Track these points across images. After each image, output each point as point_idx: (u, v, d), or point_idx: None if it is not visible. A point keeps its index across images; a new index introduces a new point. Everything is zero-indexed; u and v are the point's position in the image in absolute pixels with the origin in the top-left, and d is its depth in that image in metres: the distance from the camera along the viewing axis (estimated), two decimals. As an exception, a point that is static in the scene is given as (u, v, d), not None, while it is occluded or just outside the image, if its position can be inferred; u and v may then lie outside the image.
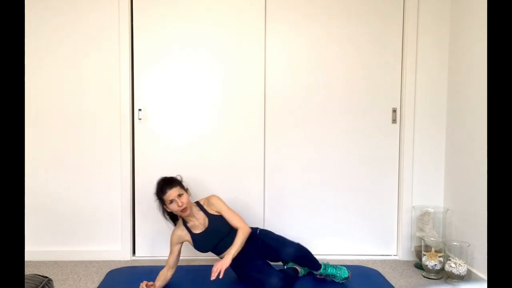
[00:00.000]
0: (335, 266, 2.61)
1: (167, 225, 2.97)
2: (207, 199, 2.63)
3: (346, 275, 2.58)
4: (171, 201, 2.47)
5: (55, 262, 3.03)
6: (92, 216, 3.09)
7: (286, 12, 3.04)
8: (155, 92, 3.04)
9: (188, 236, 2.56)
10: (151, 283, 2.42)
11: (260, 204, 3.10)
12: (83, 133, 3.05)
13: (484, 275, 2.59)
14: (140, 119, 3.04)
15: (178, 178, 2.60)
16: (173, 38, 3.02)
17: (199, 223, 2.56)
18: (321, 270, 2.58)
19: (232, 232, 2.53)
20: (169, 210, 2.56)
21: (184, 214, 2.51)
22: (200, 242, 2.55)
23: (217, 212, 2.58)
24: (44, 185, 3.06)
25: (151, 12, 3.00)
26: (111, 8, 2.99)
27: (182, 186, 2.55)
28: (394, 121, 3.10)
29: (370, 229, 3.15)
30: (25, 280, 1.60)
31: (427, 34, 3.04)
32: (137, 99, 3.04)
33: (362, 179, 3.13)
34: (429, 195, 3.11)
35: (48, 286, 1.66)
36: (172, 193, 2.47)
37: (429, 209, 2.98)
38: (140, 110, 3.04)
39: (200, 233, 2.55)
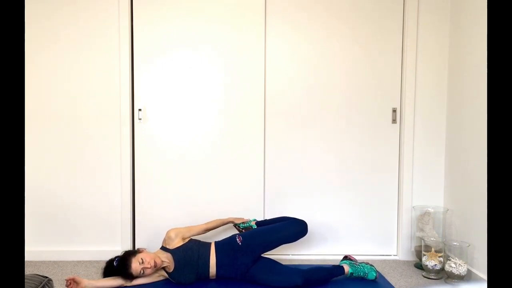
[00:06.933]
0: (361, 267, 2.64)
1: (167, 225, 2.97)
2: (165, 237, 2.64)
3: (374, 275, 2.63)
4: (142, 271, 2.47)
5: (55, 262, 3.03)
6: (92, 216, 3.09)
7: (286, 11, 3.04)
8: (155, 92, 3.04)
9: (166, 274, 2.59)
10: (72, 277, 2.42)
11: (260, 204, 3.09)
12: (83, 133, 3.05)
13: (484, 275, 2.59)
14: (140, 119, 3.04)
15: (122, 252, 2.60)
16: (173, 38, 3.02)
17: (170, 262, 2.57)
18: (348, 275, 2.63)
19: (203, 254, 2.57)
20: (147, 274, 2.53)
21: (159, 267, 2.52)
22: (178, 277, 2.55)
23: (182, 241, 2.61)
24: (44, 185, 3.06)
25: (151, 11, 3.01)
26: (111, 8, 2.99)
27: (134, 254, 2.53)
28: (394, 121, 3.10)
29: (370, 229, 3.15)
30: (25, 280, 1.60)
31: (427, 34, 3.04)
32: (137, 99, 3.04)
33: (362, 179, 3.13)
34: (429, 195, 3.11)
35: (48, 286, 1.66)
36: (135, 267, 2.46)
37: (429, 209, 2.98)
38: (140, 110, 3.04)
39: (173, 270, 2.56)
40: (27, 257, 3.04)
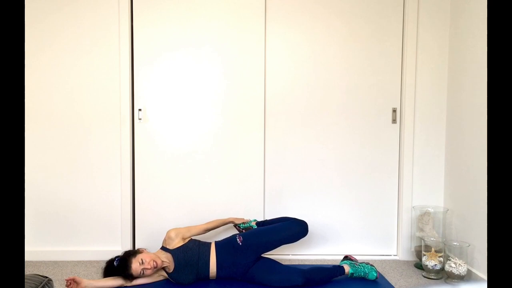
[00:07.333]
0: (362, 267, 2.63)
1: (167, 225, 2.97)
2: (165, 237, 2.64)
3: (375, 275, 2.62)
4: (142, 272, 2.46)
5: (55, 262, 3.03)
6: (92, 216, 3.09)
7: (286, 11, 3.04)
8: (155, 92, 3.04)
9: (165, 274, 2.59)
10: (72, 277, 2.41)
11: (260, 204, 3.09)
12: (83, 133, 3.05)
13: (484, 275, 2.59)
14: (140, 119, 3.04)
15: (121, 253, 2.59)
16: (173, 38, 3.02)
17: (170, 263, 2.56)
18: (349, 275, 2.63)
19: (204, 254, 2.57)
20: (148, 275, 2.53)
21: (160, 267, 2.52)
22: (178, 277, 2.55)
23: (182, 242, 2.61)
24: (44, 185, 3.06)
25: (151, 11, 3.00)
26: (111, 8, 2.99)
27: (134, 254, 2.52)
28: (394, 121, 3.10)
29: (370, 229, 3.15)
30: (25, 280, 1.60)
31: (427, 34, 3.04)
32: (137, 99, 3.04)
33: (362, 179, 3.13)
34: (429, 195, 3.11)
35: (48, 286, 1.66)
36: (135, 267, 2.46)
37: (429, 209, 2.98)
38: (140, 110, 3.04)
39: (173, 270, 2.55)
40: (27, 257, 3.04)
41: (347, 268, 2.62)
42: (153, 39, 3.01)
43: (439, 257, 2.76)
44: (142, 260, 2.46)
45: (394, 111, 3.09)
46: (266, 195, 3.11)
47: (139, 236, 3.09)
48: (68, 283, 2.38)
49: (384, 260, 3.11)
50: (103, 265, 2.58)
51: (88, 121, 3.05)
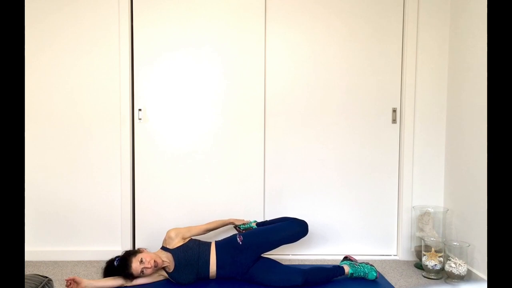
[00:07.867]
0: (361, 267, 2.63)
1: (167, 225, 2.96)
2: (165, 237, 2.64)
3: (375, 275, 2.62)
4: (142, 271, 2.46)
5: (55, 262, 3.03)
6: (92, 216, 3.09)
7: (286, 12, 3.03)
8: (155, 92, 3.04)
9: (166, 274, 2.59)
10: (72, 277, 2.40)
11: (260, 204, 3.09)
12: (83, 133, 3.05)
13: (484, 275, 2.59)
14: (140, 119, 3.04)
15: (122, 252, 2.59)
16: (173, 38, 3.02)
17: (171, 262, 2.56)
18: (349, 276, 2.63)
19: (204, 254, 2.56)
20: (148, 274, 2.53)
21: (160, 267, 2.52)
22: (178, 277, 2.55)
23: (182, 241, 2.61)
24: (44, 185, 3.06)
25: (151, 11, 3.00)
26: (111, 8, 2.99)
27: (134, 253, 2.52)
28: (394, 121, 3.10)
29: (370, 229, 3.16)
30: (25, 280, 1.60)
31: (427, 34, 3.04)
32: (137, 99, 3.04)
33: (362, 179, 3.13)
34: (429, 195, 3.11)
35: (48, 286, 1.66)
36: (135, 266, 2.45)
37: (429, 209, 2.98)
38: (140, 110, 3.04)
39: (173, 270, 2.55)
40: (27, 257, 3.04)
41: (347, 268, 2.62)
42: (153, 39, 3.02)
43: (439, 257, 2.76)
44: (142, 259, 2.46)
45: (394, 111, 3.10)
46: (266, 195, 3.11)
47: (139, 236, 3.09)
48: (68, 283, 2.38)
49: (384, 260, 3.11)
50: (103, 265, 2.58)
51: (88, 121, 3.05)
